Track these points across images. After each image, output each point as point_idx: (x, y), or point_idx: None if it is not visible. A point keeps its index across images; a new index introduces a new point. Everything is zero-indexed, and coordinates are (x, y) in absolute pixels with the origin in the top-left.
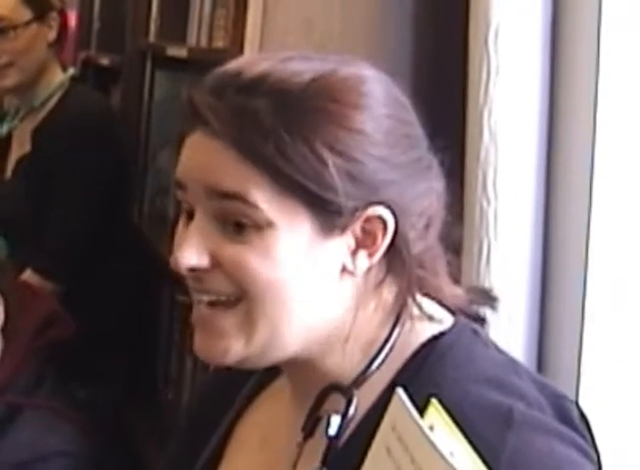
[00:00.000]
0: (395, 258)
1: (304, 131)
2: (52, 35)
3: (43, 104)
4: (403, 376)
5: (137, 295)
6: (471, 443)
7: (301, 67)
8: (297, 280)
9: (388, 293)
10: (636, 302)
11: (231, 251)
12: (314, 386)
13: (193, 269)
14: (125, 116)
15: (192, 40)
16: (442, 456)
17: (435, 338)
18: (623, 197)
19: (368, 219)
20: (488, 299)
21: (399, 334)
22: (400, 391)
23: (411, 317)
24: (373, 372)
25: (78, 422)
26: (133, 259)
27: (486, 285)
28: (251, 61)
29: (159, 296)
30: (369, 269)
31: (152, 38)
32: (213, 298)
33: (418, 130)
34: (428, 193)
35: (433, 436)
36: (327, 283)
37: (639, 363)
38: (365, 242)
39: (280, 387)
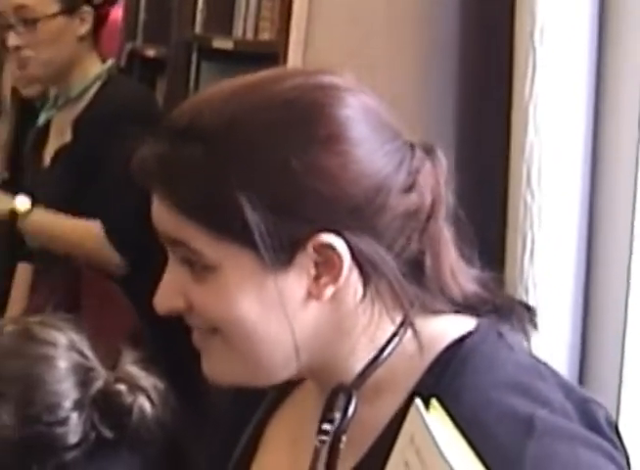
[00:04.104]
0: (369, 275)
1: (222, 178)
2: (84, 29)
3: (81, 95)
4: (426, 381)
5: None
6: (481, 449)
7: (232, 107)
8: (256, 314)
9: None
10: None
11: (195, 293)
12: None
13: (171, 311)
14: (171, 107)
15: (238, 32)
16: None
17: (460, 340)
18: None
19: (316, 248)
20: (527, 313)
21: (402, 335)
22: (418, 401)
23: (429, 318)
24: (374, 369)
25: None
26: None
27: (530, 280)
28: (186, 105)
29: None
30: (341, 290)
31: (198, 30)
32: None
33: (380, 135)
34: (403, 198)
35: (449, 453)
36: (292, 310)
37: None
38: (325, 267)
39: (310, 386)
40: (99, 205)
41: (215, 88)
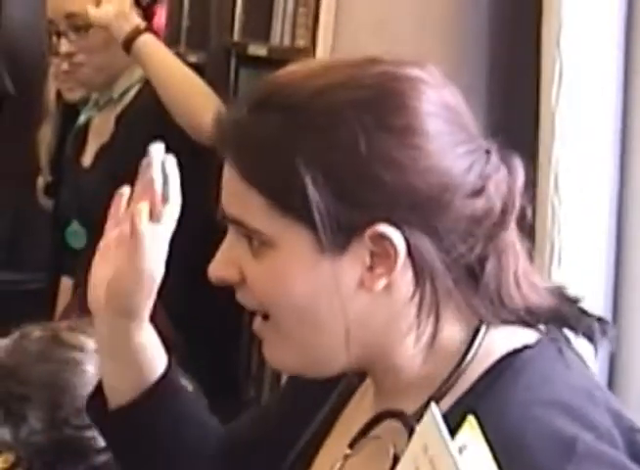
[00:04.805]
0: (421, 274)
1: (290, 151)
2: None
3: (122, 95)
4: (476, 389)
5: (218, 293)
6: (517, 465)
7: (315, 81)
8: (307, 297)
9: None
10: None
11: (251, 267)
12: (388, 386)
13: (224, 281)
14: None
15: (276, 38)
16: None
17: (518, 351)
18: None
19: (373, 237)
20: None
21: (474, 354)
22: (435, 409)
23: (491, 327)
24: (438, 399)
25: None
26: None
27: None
28: (267, 79)
29: None
30: (393, 285)
31: (236, 36)
32: (250, 309)
33: (456, 135)
34: (470, 201)
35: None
36: (344, 299)
37: None
38: (380, 258)
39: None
40: None
41: (298, 66)
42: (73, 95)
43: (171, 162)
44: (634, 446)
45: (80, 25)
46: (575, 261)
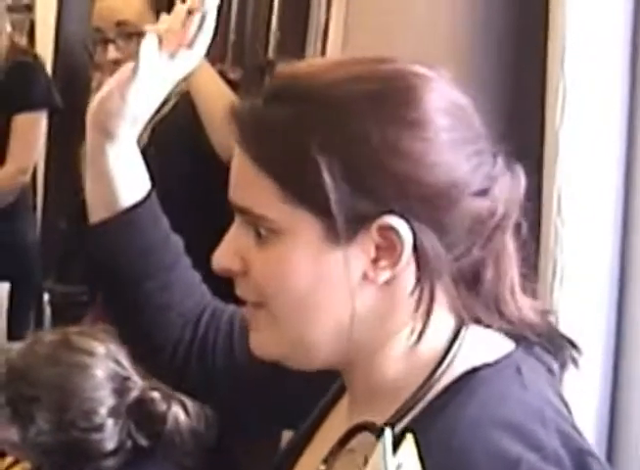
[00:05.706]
0: (423, 270)
1: (306, 140)
2: None
3: (159, 108)
4: (434, 406)
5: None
6: None
7: (330, 74)
8: (313, 287)
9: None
10: None
11: (257, 259)
12: (361, 393)
13: (227, 271)
14: None
15: (310, 55)
16: None
17: (476, 369)
18: None
19: (381, 229)
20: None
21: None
22: (388, 433)
23: (466, 337)
24: (409, 412)
25: None
26: None
27: (559, 306)
28: (285, 69)
29: None
30: (395, 279)
31: (271, 54)
32: (249, 301)
33: (465, 133)
34: (476, 200)
35: None
36: (346, 290)
37: None
38: (385, 251)
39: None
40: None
41: (317, 59)
42: None
43: (213, 13)
44: (583, 467)
45: (131, 33)
46: (578, 281)
